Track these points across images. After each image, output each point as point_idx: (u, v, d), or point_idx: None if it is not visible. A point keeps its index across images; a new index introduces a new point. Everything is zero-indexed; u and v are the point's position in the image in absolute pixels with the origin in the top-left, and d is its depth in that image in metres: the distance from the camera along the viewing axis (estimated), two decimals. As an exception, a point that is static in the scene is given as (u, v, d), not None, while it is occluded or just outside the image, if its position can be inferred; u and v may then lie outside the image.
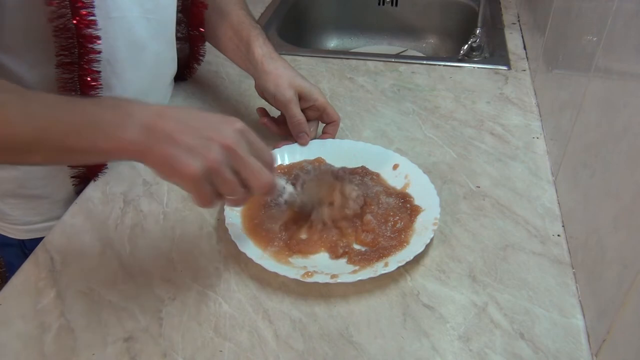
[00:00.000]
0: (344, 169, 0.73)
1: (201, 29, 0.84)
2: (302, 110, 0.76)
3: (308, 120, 0.77)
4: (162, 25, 0.76)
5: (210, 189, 0.50)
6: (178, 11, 0.81)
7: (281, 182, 0.70)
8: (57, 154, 0.54)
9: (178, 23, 0.82)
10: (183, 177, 0.49)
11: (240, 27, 0.80)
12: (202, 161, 0.48)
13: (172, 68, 0.85)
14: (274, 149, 0.76)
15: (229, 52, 0.84)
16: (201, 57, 0.91)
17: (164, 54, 0.80)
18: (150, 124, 0.49)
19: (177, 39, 0.84)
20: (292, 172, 0.72)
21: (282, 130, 0.78)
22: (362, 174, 0.72)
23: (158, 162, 0.50)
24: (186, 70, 0.93)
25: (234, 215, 0.66)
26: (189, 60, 0.91)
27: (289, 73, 0.75)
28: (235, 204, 0.55)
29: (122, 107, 0.51)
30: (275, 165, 0.56)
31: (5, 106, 0.51)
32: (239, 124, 0.52)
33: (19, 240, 0.80)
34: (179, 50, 0.85)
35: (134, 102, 0.52)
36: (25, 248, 0.80)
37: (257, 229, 0.65)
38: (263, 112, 0.80)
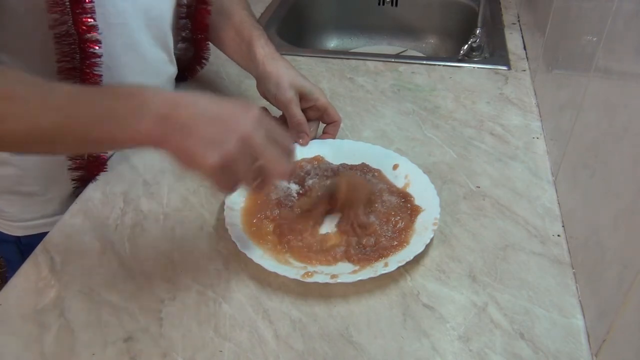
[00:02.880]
0: (344, 165, 0.73)
1: (205, 34, 0.85)
2: (303, 110, 0.76)
3: (309, 120, 0.77)
4: (161, 31, 0.77)
5: (230, 176, 0.51)
6: (183, 16, 0.81)
7: (283, 183, 0.71)
8: (79, 145, 0.56)
9: (183, 26, 0.82)
10: (201, 168, 0.50)
11: (242, 27, 0.80)
12: (220, 153, 0.49)
13: (171, 72, 0.85)
14: None
15: (231, 52, 0.84)
16: (204, 61, 0.91)
17: (163, 58, 0.80)
18: (165, 114, 0.49)
19: (182, 40, 0.84)
20: (294, 173, 0.72)
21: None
22: (363, 170, 0.72)
23: (176, 153, 0.50)
24: (187, 72, 0.93)
25: (234, 216, 0.66)
26: (191, 62, 0.91)
27: (290, 73, 0.75)
28: (257, 190, 0.54)
29: (136, 97, 0.51)
30: (294, 150, 0.57)
31: (27, 101, 0.51)
32: (255, 111, 0.52)
33: (14, 237, 0.80)
34: (183, 52, 0.85)
35: (149, 90, 0.51)
36: (20, 245, 0.80)
37: (257, 229, 0.65)
38: (264, 112, 0.80)
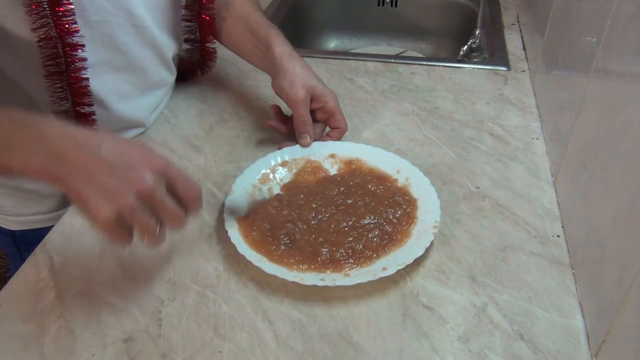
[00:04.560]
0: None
1: (213, 42, 0.85)
2: (313, 111, 0.76)
3: (316, 121, 0.77)
4: (151, 32, 0.75)
5: (124, 230, 0.49)
6: (187, 18, 0.81)
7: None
8: None
9: (188, 30, 0.82)
10: (95, 220, 0.48)
11: (258, 27, 0.80)
12: (116, 207, 0.47)
13: (161, 74, 0.83)
14: (279, 149, 0.76)
15: (247, 52, 0.83)
16: (207, 69, 0.91)
17: (151, 60, 0.78)
18: (63, 153, 0.48)
19: (185, 41, 0.83)
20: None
21: (291, 129, 0.78)
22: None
23: (71, 196, 0.49)
24: (187, 73, 0.92)
25: (233, 218, 0.65)
26: (194, 66, 0.91)
27: (306, 73, 0.75)
28: (153, 243, 0.52)
29: (35, 128, 0.49)
30: (200, 198, 0.54)
31: None
32: (159, 162, 0.50)
33: (9, 229, 0.81)
34: (187, 53, 0.85)
35: (49, 123, 0.50)
36: (15, 237, 0.81)
37: (256, 233, 0.65)
38: (276, 110, 0.80)
